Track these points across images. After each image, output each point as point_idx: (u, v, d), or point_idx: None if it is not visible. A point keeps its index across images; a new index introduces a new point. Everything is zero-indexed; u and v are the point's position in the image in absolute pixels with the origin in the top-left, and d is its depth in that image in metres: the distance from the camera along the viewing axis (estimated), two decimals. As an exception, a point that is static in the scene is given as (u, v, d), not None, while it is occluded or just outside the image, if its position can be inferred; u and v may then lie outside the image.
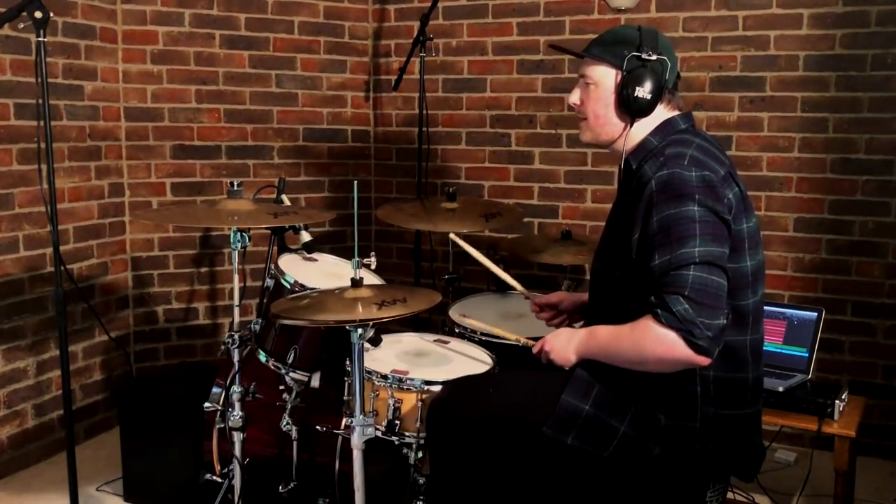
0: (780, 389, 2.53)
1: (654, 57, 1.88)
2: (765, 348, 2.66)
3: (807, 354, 2.68)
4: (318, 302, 2.18)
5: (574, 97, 2.00)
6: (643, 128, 1.93)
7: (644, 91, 1.87)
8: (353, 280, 2.14)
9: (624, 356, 1.82)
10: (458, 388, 2.15)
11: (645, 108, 1.89)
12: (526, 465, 1.96)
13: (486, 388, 2.11)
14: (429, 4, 3.57)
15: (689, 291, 1.68)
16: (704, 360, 1.71)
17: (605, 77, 1.93)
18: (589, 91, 1.96)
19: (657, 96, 1.88)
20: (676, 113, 1.96)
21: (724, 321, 1.71)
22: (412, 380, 2.28)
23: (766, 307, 2.71)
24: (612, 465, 1.87)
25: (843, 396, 2.55)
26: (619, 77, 1.90)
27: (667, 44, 1.93)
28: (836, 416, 2.49)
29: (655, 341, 1.72)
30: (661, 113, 1.94)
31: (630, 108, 1.89)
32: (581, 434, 1.87)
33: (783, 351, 2.71)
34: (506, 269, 3.06)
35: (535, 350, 2.05)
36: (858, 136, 3.30)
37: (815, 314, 2.72)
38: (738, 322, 1.84)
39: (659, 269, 1.74)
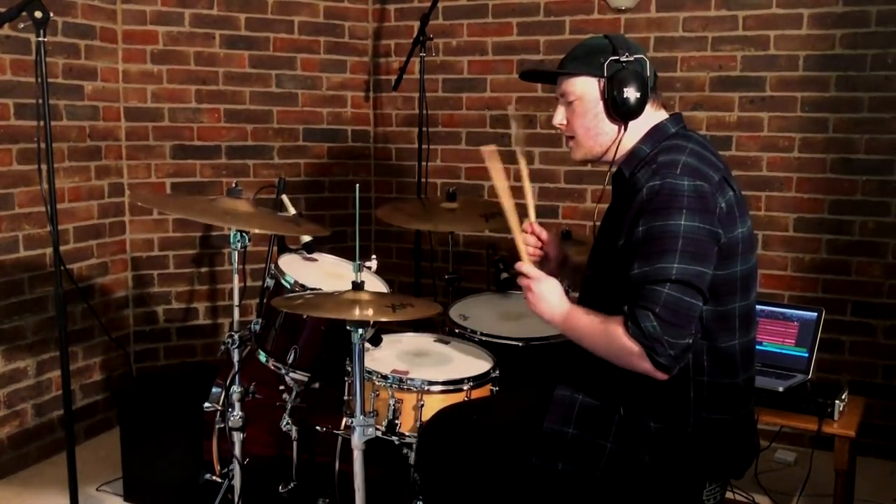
0: (780, 389, 2.53)
1: (631, 58, 1.88)
2: (767, 349, 2.71)
3: (807, 354, 2.68)
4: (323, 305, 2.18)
5: (558, 117, 1.98)
6: (633, 135, 1.92)
7: (631, 91, 1.86)
8: (353, 283, 2.13)
9: (592, 347, 1.87)
10: (441, 420, 2.13)
11: (636, 109, 1.88)
12: (521, 495, 1.96)
13: (469, 416, 2.10)
14: (429, 4, 3.57)
15: (659, 309, 1.72)
16: (663, 376, 1.76)
17: (587, 88, 1.91)
18: (573, 107, 1.94)
19: (645, 95, 1.88)
20: (664, 116, 1.95)
21: (689, 340, 1.75)
22: (412, 380, 2.28)
23: (767, 308, 2.75)
24: (605, 481, 1.88)
25: (843, 396, 2.55)
26: (603, 83, 1.89)
27: (637, 45, 1.93)
28: (836, 416, 2.49)
29: (621, 348, 1.77)
30: (650, 114, 1.93)
31: (621, 111, 1.88)
32: (569, 458, 1.88)
33: (783, 351, 2.71)
34: (505, 269, 3.07)
35: (519, 277, 2.00)
36: (858, 136, 3.30)
37: (815, 314, 2.71)
38: (726, 326, 1.84)
39: (636, 280, 1.76)
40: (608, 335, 1.79)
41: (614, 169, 1.96)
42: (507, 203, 2.08)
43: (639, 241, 1.77)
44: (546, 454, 1.89)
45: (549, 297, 1.95)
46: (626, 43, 1.91)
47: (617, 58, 1.87)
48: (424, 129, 3.71)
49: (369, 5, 4.06)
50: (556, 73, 1.97)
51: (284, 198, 2.95)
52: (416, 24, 3.64)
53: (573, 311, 1.91)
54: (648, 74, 1.89)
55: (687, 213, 1.74)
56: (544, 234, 2.19)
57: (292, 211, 2.92)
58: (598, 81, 1.90)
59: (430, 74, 3.80)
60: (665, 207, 1.75)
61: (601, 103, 1.90)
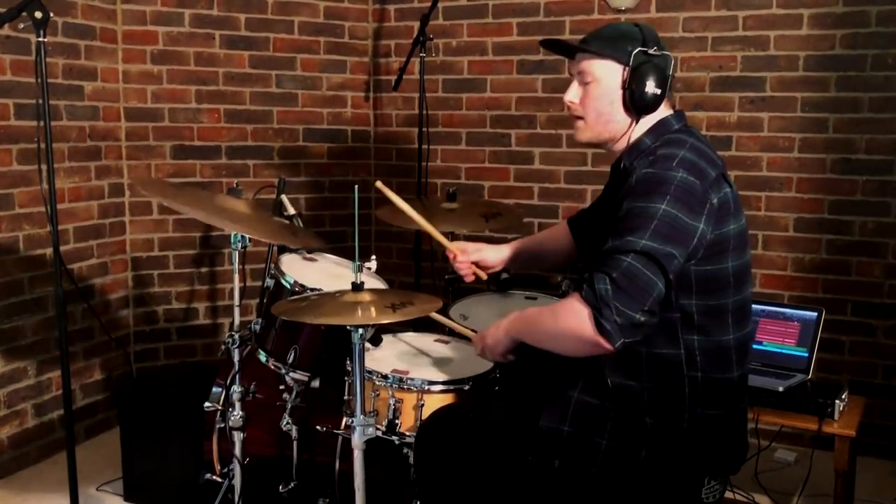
0: (780, 389, 2.53)
1: (659, 53, 1.86)
2: (767, 349, 2.71)
3: (807, 354, 2.68)
4: (327, 306, 2.18)
5: (571, 95, 1.94)
6: (639, 127, 1.91)
7: (653, 87, 1.84)
8: (353, 284, 2.13)
9: (544, 329, 1.85)
10: (438, 419, 2.13)
11: (653, 105, 1.86)
12: (517, 493, 1.96)
13: (466, 415, 2.10)
14: (429, 4, 3.57)
15: (616, 275, 1.69)
16: (606, 344, 1.70)
17: (608, 73, 1.88)
18: (589, 88, 1.90)
19: (664, 92, 1.86)
20: (670, 112, 1.94)
21: (641, 318, 1.69)
22: (412, 379, 2.28)
23: (767, 307, 2.75)
24: (602, 478, 1.88)
25: (843, 396, 2.55)
26: (627, 72, 1.85)
27: (664, 43, 1.92)
28: (836, 416, 2.49)
29: (570, 313, 1.74)
30: (659, 111, 1.92)
31: (638, 105, 1.86)
32: (565, 455, 1.88)
33: (783, 351, 2.71)
34: (505, 270, 3.07)
35: (476, 350, 2.13)
36: (858, 136, 3.30)
37: (815, 314, 2.72)
38: (721, 321, 1.84)
39: (605, 251, 1.74)
40: (558, 307, 1.79)
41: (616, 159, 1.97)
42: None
43: (618, 219, 1.76)
44: (542, 452, 1.89)
45: (488, 330, 2.05)
46: (655, 37, 1.89)
47: (645, 49, 1.85)
48: (424, 129, 3.71)
49: (369, 5, 4.06)
50: (580, 49, 1.93)
51: (284, 198, 2.95)
52: (416, 24, 3.64)
53: (520, 311, 1.97)
54: (670, 73, 1.88)
55: (670, 200, 1.72)
56: (468, 252, 2.47)
57: (292, 211, 2.92)
58: (623, 69, 1.86)
59: (430, 74, 3.80)
60: (650, 191, 1.74)
61: (620, 92, 1.87)
